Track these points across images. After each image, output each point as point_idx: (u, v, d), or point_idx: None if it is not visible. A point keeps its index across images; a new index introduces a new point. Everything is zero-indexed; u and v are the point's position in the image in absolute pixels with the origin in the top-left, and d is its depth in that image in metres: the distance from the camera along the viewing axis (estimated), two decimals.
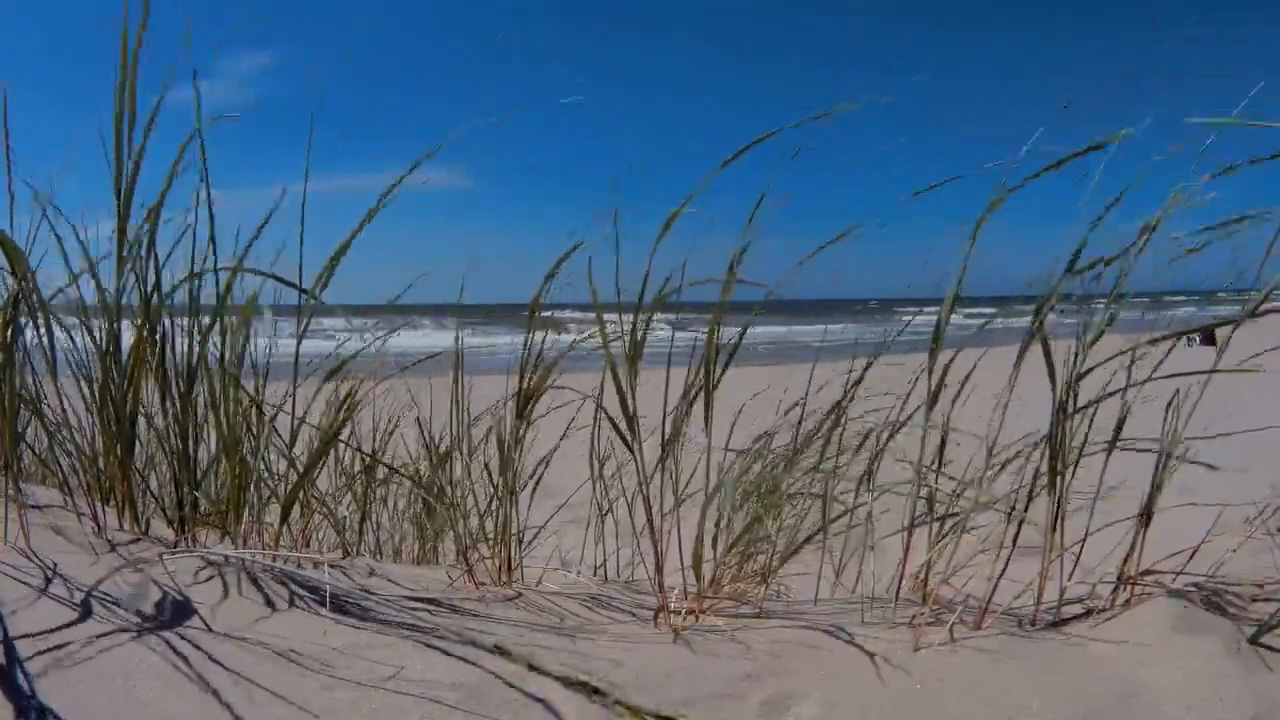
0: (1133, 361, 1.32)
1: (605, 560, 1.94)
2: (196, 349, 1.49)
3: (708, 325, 1.43)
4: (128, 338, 1.45)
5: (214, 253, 1.47)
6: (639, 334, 1.41)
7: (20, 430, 1.56)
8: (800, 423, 1.76)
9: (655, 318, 1.42)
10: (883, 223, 1.37)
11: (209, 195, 1.43)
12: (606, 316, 1.41)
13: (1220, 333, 1.33)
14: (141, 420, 1.54)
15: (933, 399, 1.41)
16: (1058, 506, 1.36)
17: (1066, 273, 1.31)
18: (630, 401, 1.44)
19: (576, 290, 1.44)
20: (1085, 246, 1.30)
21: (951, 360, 1.44)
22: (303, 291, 1.37)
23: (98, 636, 1.05)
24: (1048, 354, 1.33)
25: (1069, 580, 1.38)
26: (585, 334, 1.55)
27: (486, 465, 1.77)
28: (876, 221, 1.36)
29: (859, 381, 1.63)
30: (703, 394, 1.46)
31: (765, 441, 1.82)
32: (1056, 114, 1.27)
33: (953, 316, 1.36)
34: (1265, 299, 1.23)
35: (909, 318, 1.81)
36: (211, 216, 1.44)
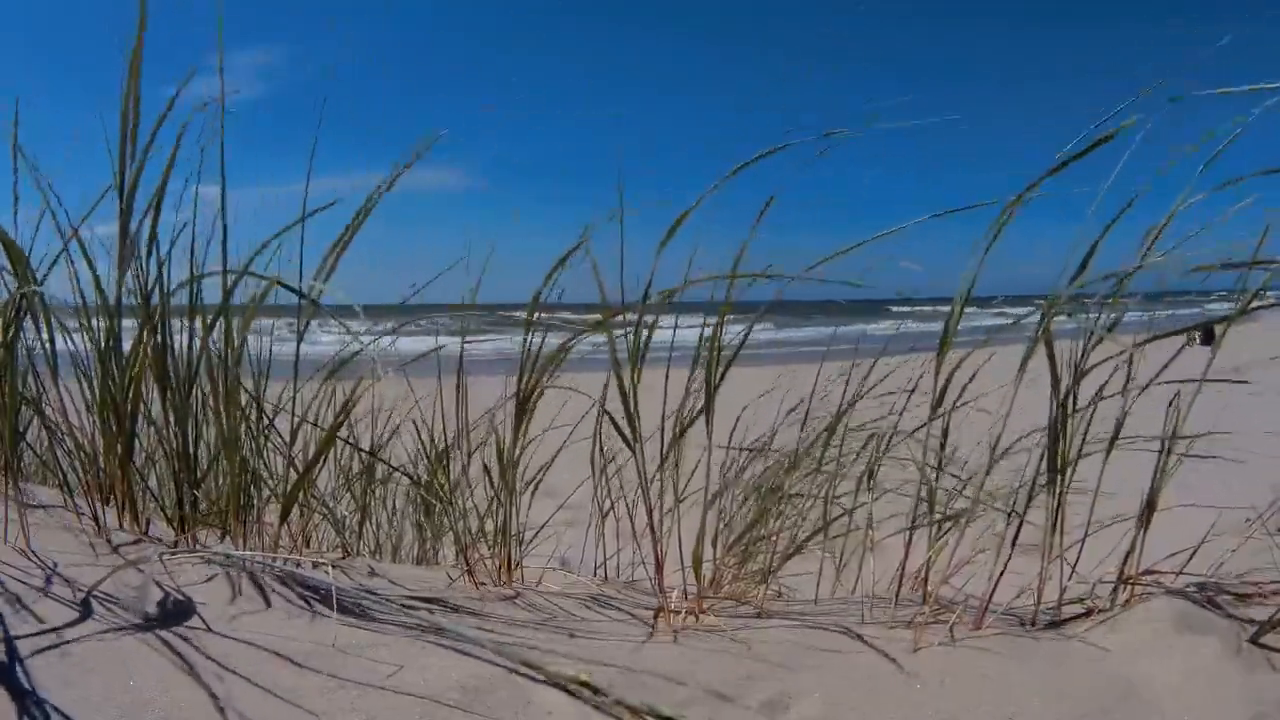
0: (1132, 360, 1.33)
1: (605, 561, 1.94)
2: (198, 348, 1.50)
3: (712, 325, 1.43)
4: (128, 337, 1.45)
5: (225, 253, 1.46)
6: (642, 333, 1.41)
7: (21, 430, 1.56)
8: (805, 421, 1.76)
9: (662, 318, 1.42)
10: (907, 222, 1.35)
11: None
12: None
13: (1218, 331, 1.33)
14: (141, 419, 1.54)
15: (937, 400, 1.41)
16: (1057, 506, 1.36)
17: (1071, 282, 1.31)
18: (631, 401, 1.44)
19: (580, 290, 1.44)
20: (1095, 252, 1.31)
21: (961, 362, 1.44)
22: (301, 295, 1.37)
23: (98, 636, 1.05)
24: (1051, 356, 1.33)
25: (1069, 580, 1.38)
26: (578, 336, 1.54)
27: (485, 465, 1.77)
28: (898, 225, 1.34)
29: (860, 390, 1.64)
30: (705, 394, 1.46)
31: (768, 441, 1.82)
32: (1079, 116, 1.26)
33: (978, 316, 1.36)
34: (1254, 297, 1.24)
35: (917, 321, 1.82)
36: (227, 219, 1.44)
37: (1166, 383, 1.33)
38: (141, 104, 1.36)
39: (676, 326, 1.50)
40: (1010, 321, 1.44)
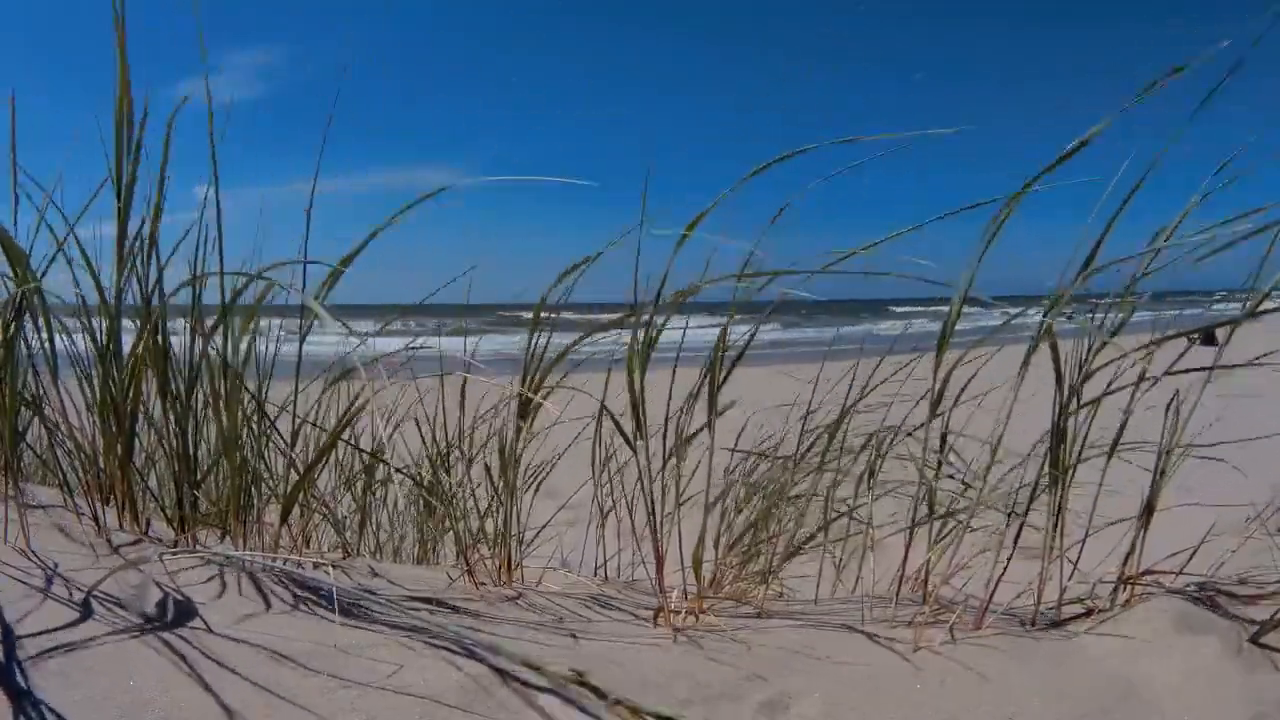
0: (1147, 363, 1.32)
1: (606, 561, 1.94)
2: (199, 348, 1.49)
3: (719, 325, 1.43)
4: (128, 338, 1.45)
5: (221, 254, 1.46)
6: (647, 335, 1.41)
7: (21, 430, 1.56)
8: (805, 419, 1.76)
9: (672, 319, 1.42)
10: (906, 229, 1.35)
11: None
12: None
13: (1220, 334, 1.33)
14: (141, 420, 1.54)
15: (936, 400, 1.41)
16: (1059, 506, 1.36)
17: (1076, 279, 1.31)
18: (636, 403, 1.44)
19: (582, 290, 1.44)
20: (1100, 250, 1.31)
21: (958, 361, 1.44)
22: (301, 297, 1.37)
23: (98, 636, 1.04)
24: (1055, 356, 1.33)
25: (1069, 580, 1.38)
26: (581, 339, 1.53)
27: (487, 465, 1.77)
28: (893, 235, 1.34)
29: (862, 392, 1.64)
30: (709, 393, 1.46)
31: (770, 443, 1.82)
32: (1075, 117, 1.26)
33: (986, 317, 1.36)
34: (1264, 299, 1.24)
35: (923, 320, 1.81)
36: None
37: (1172, 373, 1.33)
38: (136, 102, 1.36)
39: (687, 327, 1.49)
40: (1001, 323, 1.44)
